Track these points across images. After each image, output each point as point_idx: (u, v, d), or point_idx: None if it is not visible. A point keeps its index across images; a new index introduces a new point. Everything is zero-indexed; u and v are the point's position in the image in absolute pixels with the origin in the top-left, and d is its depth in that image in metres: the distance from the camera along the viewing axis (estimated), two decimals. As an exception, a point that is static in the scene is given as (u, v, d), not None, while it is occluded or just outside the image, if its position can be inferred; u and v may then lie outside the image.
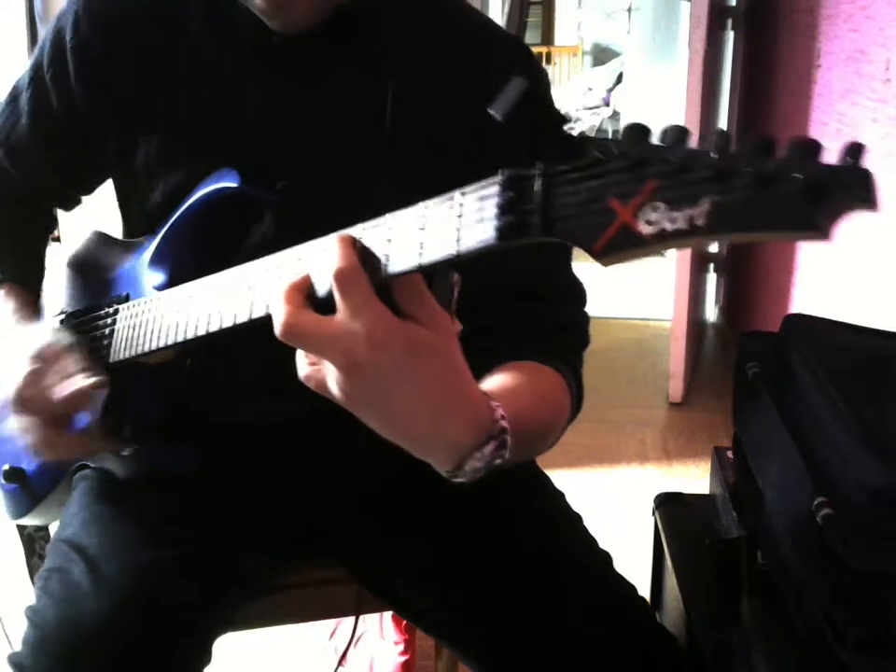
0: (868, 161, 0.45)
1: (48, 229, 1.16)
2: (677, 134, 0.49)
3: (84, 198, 1.14)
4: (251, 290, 0.71)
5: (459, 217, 0.57)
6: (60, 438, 0.88)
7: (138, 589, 0.88)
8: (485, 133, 0.93)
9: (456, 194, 0.58)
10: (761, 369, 1.11)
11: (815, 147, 0.44)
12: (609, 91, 6.68)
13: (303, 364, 0.65)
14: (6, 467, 1.03)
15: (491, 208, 0.55)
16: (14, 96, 1.04)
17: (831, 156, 0.44)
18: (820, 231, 0.43)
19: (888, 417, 0.92)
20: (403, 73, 0.93)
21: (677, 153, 0.48)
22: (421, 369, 0.61)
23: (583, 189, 0.51)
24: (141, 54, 0.97)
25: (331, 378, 0.62)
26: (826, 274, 2.11)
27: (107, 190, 1.22)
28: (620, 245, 0.49)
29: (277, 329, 0.61)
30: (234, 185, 0.89)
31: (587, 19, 7.66)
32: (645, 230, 0.48)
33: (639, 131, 0.50)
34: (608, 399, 2.84)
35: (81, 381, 0.86)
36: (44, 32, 1.04)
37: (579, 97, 6.66)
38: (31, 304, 1.02)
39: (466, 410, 0.66)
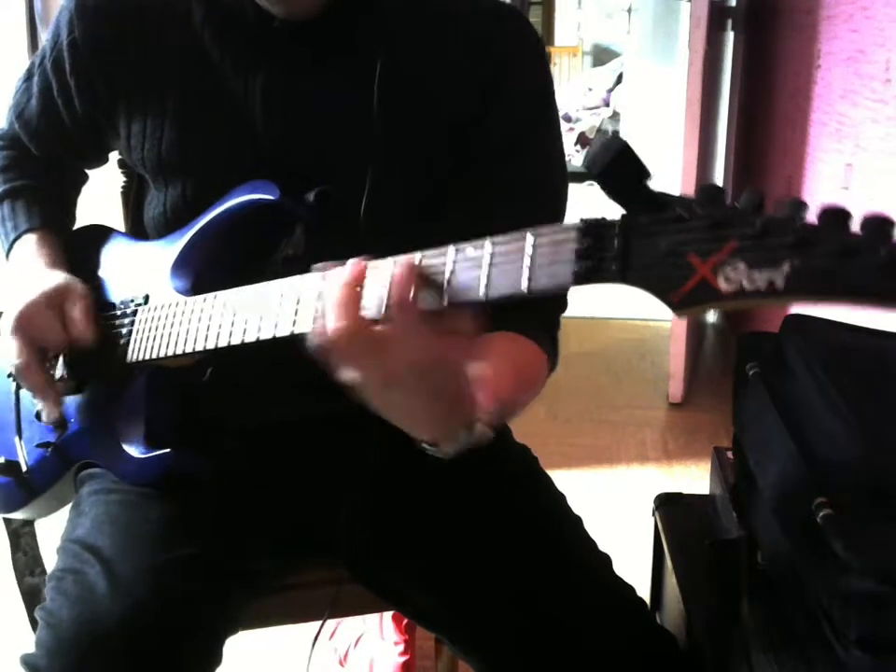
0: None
1: (75, 182, 1.19)
2: (754, 198, 0.52)
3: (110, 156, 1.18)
4: (298, 304, 0.74)
5: (531, 256, 0.60)
6: (39, 369, 0.95)
7: (154, 590, 0.88)
8: (481, 116, 0.94)
9: (528, 234, 0.60)
10: (761, 369, 1.11)
11: (891, 225, 0.47)
12: (609, 91, 6.68)
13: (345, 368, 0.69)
14: (1, 459, 1.03)
15: (567, 252, 0.58)
16: (30, 74, 1.08)
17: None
18: None
19: (887, 417, 0.92)
20: (397, 56, 0.94)
21: (759, 218, 0.50)
22: (442, 387, 0.70)
23: (663, 242, 0.53)
24: (140, 50, 0.98)
25: (367, 383, 0.69)
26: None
27: (106, 189, 1.23)
28: (697, 299, 0.52)
29: (333, 330, 0.66)
30: (272, 198, 0.89)
31: (587, 19, 7.66)
32: (724, 286, 0.51)
33: (715, 190, 0.53)
34: (608, 399, 2.84)
35: (74, 331, 0.95)
36: (45, 34, 1.06)
37: (579, 97, 6.66)
38: (59, 251, 1.05)
39: (460, 415, 0.75)
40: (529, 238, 0.60)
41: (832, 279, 0.48)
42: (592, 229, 0.57)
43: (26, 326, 0.94)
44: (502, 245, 0.61)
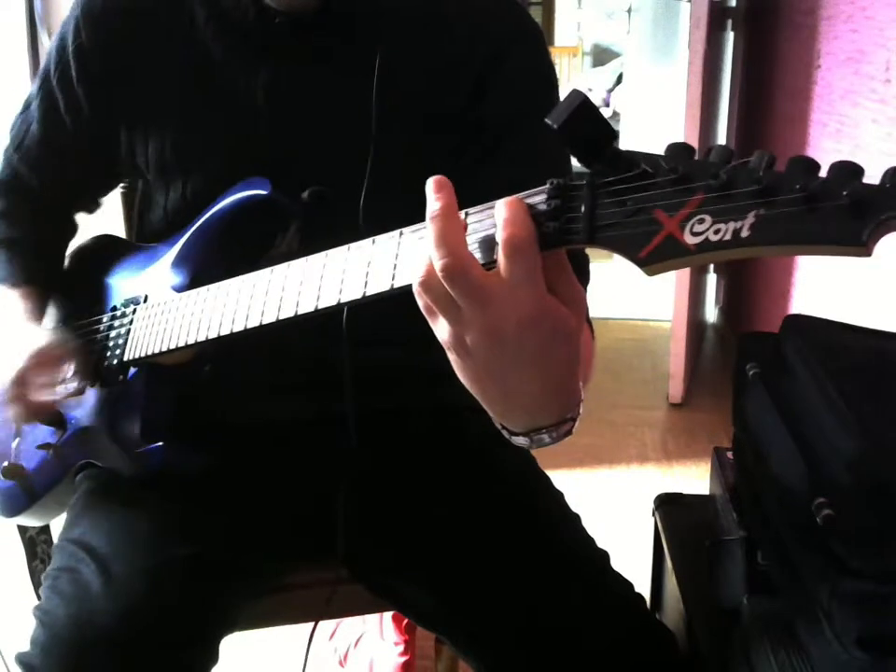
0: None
1: (68, 233, 1.16)
2: (721, 153, 0.51)
3: (103, 200, 1.16)
4: (300, 286, 0.72)
5: None
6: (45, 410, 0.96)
7: (149, 590, 0.88)
8: (480, 101, 0.94)
9: (499, 201, 0.59)
10: (760, 369, 1.11)
11: (857, 170, 0.46)
12: (609, 91, 6.68)
13: (440, 318, 0.59)
14: (4, 463, 1.03)
15: (536, 215, 0.57)
16: (27, 105, 1.07)
17: (873, 178, 0.46)
18: (863, 246, 0.45)
19: (887, 417, 0.92)
20: (395, 52, 0.94)
21: (723, 170, 0.50)
22: (554, 354, 0.60)
23: (630, 200, 0.53)
24: (144, 52, 0.98)
25: (469, 337, 0.58)
26: (826, 274, 2.11)
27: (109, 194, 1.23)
28: (664, 255, 0.51)
29: (439, 265, 0.56)
30: (265, 192, 0.89)
31: (587, 19, 7.66)
32: (690, 240, 0.50)
33: (683, 148, 0.52)
34: (608, 399, 2.84)
35: (61, 390, 0.95)
36: (45, 35, 1.06)
37: (579, 97, 6.65)
38: (44, 307, 1.04)
39: (570, 395, 0.65)
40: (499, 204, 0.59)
41: (797, 225, 0.47)
42: (559, 190, 0.56)
43: (17, 394, 0.94)
44: (476, 213, 0.60)
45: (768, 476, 1.02)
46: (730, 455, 1.26)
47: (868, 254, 0.46)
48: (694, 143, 2.61)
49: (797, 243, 0.47)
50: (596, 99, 6.67)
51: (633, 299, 3.74)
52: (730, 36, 3.17)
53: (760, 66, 3.00)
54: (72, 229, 1.16)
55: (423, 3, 0.97)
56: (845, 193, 0.46)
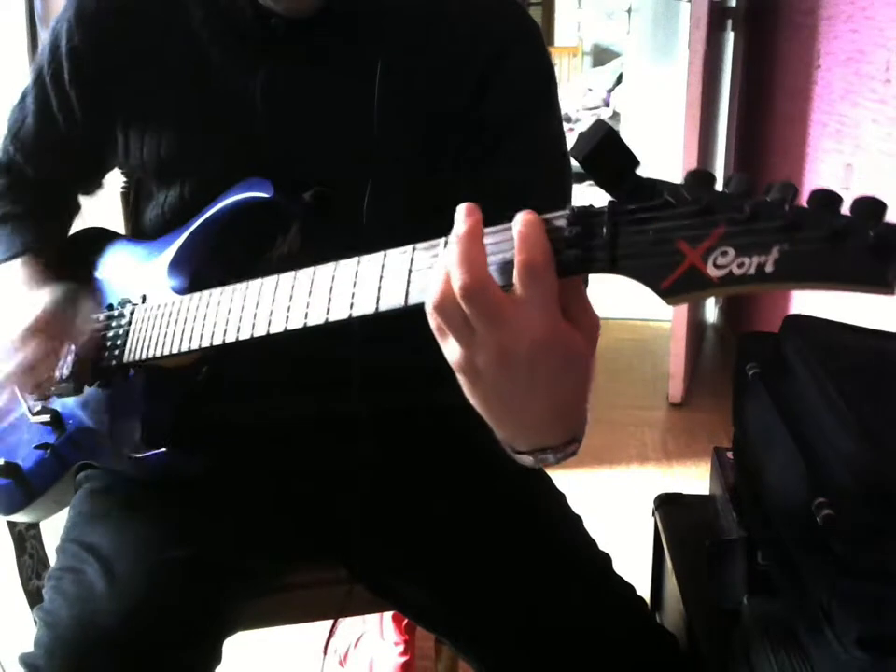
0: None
1: (71, 211, 1.16)
2: (741, 183, 0.51)
3: (104, 182, 1.16)
4: (312, 295, 0.72)
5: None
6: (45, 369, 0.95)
7: (152, 590, 0.88)
8: (482, 100, 0.94)
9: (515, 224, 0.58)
10: (760, 369, 1.11)
11: (880, 208, 0.46)
12: (609, 91, 6.68)
13: (452, 339, 0.59)
14: (0, 461, 1.03)
15: (555, 241, 0.56)
16: (24, 95, 1.08)
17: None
18: (888, 286, 0.46)
19: (887, 417, 0.92)
20: (397, 52, 0.94)
21: (747, 202, 0.50)
22: (564, 379, 0.60)
23: (652, 229, 0.52)
24: (140, 53, 0.98)
25: (480, 359, 0.58)
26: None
27: (106, 190, 1.23)
28: (687, 286, 0.51)
29: (459, 283, 0.56)
30: (267, 195, 0.89)
31: (587, 19, 7.66)
32: (713, 273, 0.50)
33: (704, 176, 0.52)
34: (608, 399, 2.83)
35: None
36: (44, 34, 1.06)
37: (579, 98, 6.66)
38: (44, 274, 1.03)
39: (577, 418, 0.66)
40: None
41: (821, 262, 0.47)
42: (580, 217, 0.56)
43: (47, 326, 0.94)
44: (492, 234, 0.60)
45: (768, 476, 1.02)
46: (730, 454, 1.26)
47: (892, 293, 0.46)
48: (694, 142, 2.61)
49: (822, 280, 0.48)
50: (596, 99, 6.67)
51: (633, 299, 3.73)
52: (730, 36, 3.17)
53: (760, 66, 3.00)
54: (75, 207, 1.17)
55: (425, 2, 0.97)
56: (871, 234, 0.46)
